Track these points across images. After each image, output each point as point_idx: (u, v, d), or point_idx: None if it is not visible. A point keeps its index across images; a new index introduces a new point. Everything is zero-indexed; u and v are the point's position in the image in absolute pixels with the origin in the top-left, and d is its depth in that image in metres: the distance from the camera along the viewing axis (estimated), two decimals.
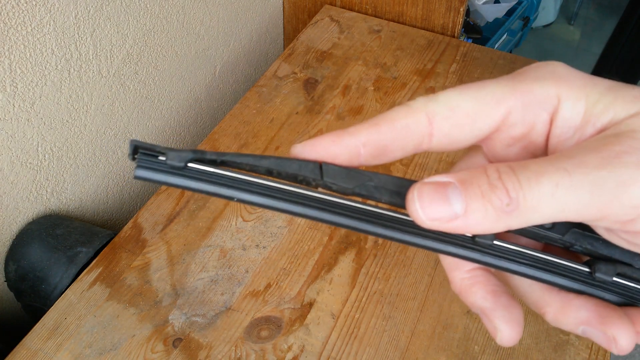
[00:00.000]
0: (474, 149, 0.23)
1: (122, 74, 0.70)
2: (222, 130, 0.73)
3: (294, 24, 1.06)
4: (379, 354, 0.52)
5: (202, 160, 0.19)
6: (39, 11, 0.55)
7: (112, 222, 0.77)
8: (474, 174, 0.18)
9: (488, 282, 0.21)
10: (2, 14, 0.51)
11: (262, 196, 0.19)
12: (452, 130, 0.20)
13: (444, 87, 0.80)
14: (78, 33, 0.60)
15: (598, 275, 0.19)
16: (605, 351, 0.52)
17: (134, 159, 0.19)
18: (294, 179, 0.20)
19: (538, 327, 0.54)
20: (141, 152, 0.19)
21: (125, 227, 0.62)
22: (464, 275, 0.21)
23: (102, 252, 0.59)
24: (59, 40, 0.58)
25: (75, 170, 0.68)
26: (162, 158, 0.19)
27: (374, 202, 0.20)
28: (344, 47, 0.87)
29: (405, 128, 0.20)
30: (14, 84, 0.55)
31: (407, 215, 0.19)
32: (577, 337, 0.53)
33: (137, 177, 0.19)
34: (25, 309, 0.64)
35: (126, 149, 0.76)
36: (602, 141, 0.17)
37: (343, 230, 0.62)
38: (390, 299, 0.56)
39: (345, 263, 0.59)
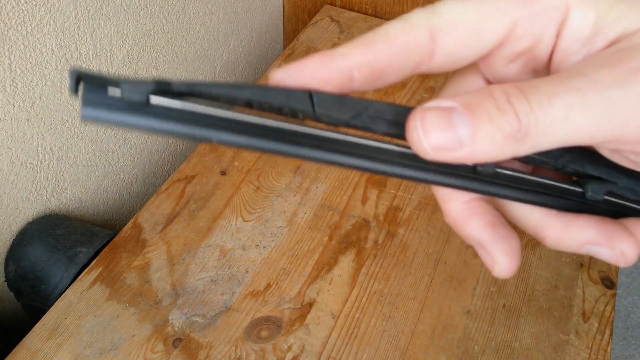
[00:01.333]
0: (467, 68, 0.21)
1: (122, 74, 0.70)
2: None
3: (294, 24, 1.06)
4: (379, 354, 0.52)
5: (168, 92, 0.16)
6: (39, 11, 0.55)
7: (112, 222, 0.77)
8: (480, 96, 0.16)
9: (486, 213, 0.20)
10: (2, 14, 0.51)
11: (245, 135, 0.16)
12: (456, 46, 0.18)
13: (443, 87, 0.80)
14: (78, 33, 0.60)
15: (590, 194, 0.19)
16: (606, 351, 0.53)
17: (77, 92, 0.15)
18: (278, 111, 0.17)
19: (538, 327, 0.54)
20: (87, 84, 0.15)
21: (125, 227, 0.62)
22: (461, 207, 0.20)
23: (102, 252, 0.59)
24: (59, 40, 0.58)
25: (75, 170, 0.68)
26: (115, 91, 0.15)
27: (369, 134, 0.18)
28: None
29: (405, 46, 0.18)
30: (14, 84, 0.55)
31: (405, 147, 0.18)
32: (577, 337, 0.54)
33: (84, 118, 0.15)
34: (25, 309, 0.64)
35: (126, 149, 0.76)
36: (616, 56, 0.16)
37: (343, 230, 0.62)
38: (390, 299, 0.56)
39: (345, 263, 0.59)
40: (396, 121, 0.18)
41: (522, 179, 0.19)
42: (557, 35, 0.18)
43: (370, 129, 0.18)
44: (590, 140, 0.16)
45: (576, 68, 0.16)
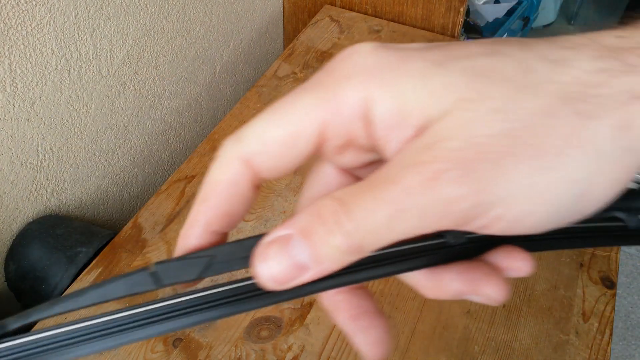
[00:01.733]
0: (317, 161, 0.22)
1: (122, 74, 0.70)
2: (222, 130, 0.73)
3: (294, 24, 1.06)
4: None
5: (5, 335, 0.16)
6: (39, 11, 0.55)
7: (112, 222, 0.77)
8: (310, 218, 0.17)
9: (349, 306, 0.21)
10: (2, 14, 0.51)
11: (93, 341, 0.17)
12: (274, 162, 0.19)
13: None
14: (78, 33, 0.60)
15: (453, 241, 0.19)
16: (606, 351, 0.53)
17: None
18: (129, 297, 0.18)
19: (538, 327, 0.54)
20: None
21: (125, 227, 0.62)
22: (327, 302, 0.21)
23: (102, 252, 0.59)
24: (59, 40, 0.58)
25: (75, 170, 0.68)
26: None
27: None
28: (344, 47, 0.87)
29: (231, 185, 0.20)
30: (14, 84, 0.55)
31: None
32: (577, 337, 0.54)
33: None
34: (25, 309, 0.64)
35: (126, 149, 0.76)
36: (419, 157, 0.17)
37: None
38: (390, 299, 0.56)
39: None
40: (248, 256, 0.18)
41: (381, 255, 0.19)
42: (368, 126, 0.18)
43: (229, 270, 0.19)
44: (419, 233, 0.17)
45: (390, 173, 0.17)
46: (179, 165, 0.70)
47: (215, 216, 0.20)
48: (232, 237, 0.60)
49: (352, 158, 0.20)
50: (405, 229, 0.17)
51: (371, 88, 0.18)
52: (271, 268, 0.17)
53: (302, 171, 0.68)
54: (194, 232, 0.20)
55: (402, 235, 0.17)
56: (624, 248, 1.42)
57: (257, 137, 0.19)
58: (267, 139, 0.19)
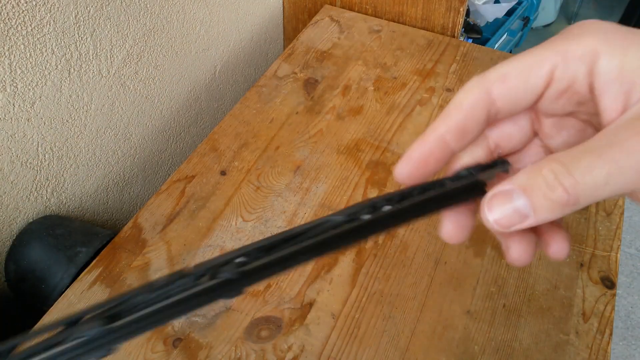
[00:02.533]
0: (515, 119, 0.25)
1: (122, 74, 0.70)
2: (222, 130, 0.73)
3: (294, 24, 1.06)
4: (379, 354, 0.52)
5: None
6: (39, 11, 0.55)
7: (112, 222, 0.77)
8: (532, 177, 0.20)
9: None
10: (2, 14, 0.51)
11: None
12: (510, 92, 0.22)
13: (444, 87, 0.81)
14: (78, 33, 0.60)
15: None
16: (606, 351, 0.53)
17: None
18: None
19: (538, 327, 0.54)
20: None
21: (125, 227, 0.62)
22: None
23: (102, 252, 0.59)
24: (59, 40, 0.58)
25: (75, 170, 0.68)
26: None
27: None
28: (344, 47, 0.87)
29: (471, 106, 0.23)
30: (14, 84, 0.55)
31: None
32: (577, 337, 0.54)
33: None
34: (25, 309, 0.64)
35: (126, 149, 0.76)
36: None
37: None
38: (390, 299, 0.56)
39: (345, 263, 0.59)
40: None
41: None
42: (590, 75, 0.21)
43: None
44: (630, 194, 0.20)
45: (611, 135, 0.20)
46: (179, 165, 0.70)
47: (453, 128, 0.23)
48: (232, 236, 0.60)
49: (564, 105, 0.23)
50: (622, 186, 0.19)
51: (600, 44, 0.21)
52: (496, 214, 0.21)
53: (302, 172, 0.68)
54: (432, 137, 0.23)
55: (617, 192, 0.19)
56: (624, 248, 1.42)
57: (498, 71, 0.23)
58: (506, 72, 0.22)
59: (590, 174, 0.19)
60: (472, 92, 0.23)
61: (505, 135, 0.26)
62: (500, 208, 0.21)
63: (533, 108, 0.24)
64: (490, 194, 0.21)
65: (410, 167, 0.23)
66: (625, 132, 0.19)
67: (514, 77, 0.22)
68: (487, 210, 0.21)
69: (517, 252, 0.24)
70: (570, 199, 0.19)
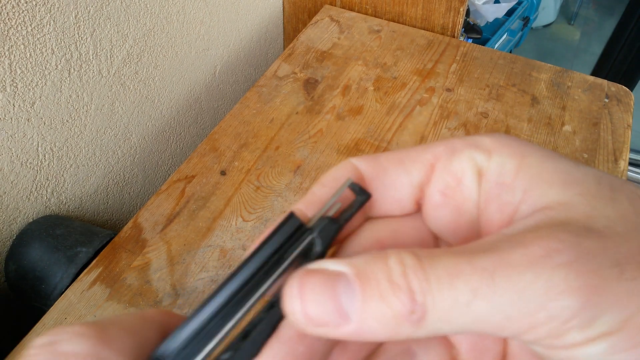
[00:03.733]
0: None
1: (122, 74, 0.70)
2: (222, 130, 0.73)
3: (294, 24, 1.06)
4: None
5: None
6: (39, 11, 0.55)
7: (112, 222, 0.77)
8: (374, 263, 0.14)
9: None
10: (2, 14, 0.51)
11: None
12: (383, 175, 0.18)
13: (444, 87, 0.81)
14: (78, 33, 0.61)
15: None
16: None
17: None
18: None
19: None
20: None
21: (125, 227, 0.62)
22: None
23: (102, 252, 0.59)
24: (59, 40, 0.58)
25: (75, 170, 0.68)
26: None
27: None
28: (344, 47, 0.87)
29: (336, 180, 0.19)
30: (14, 84, 0.55)
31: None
32: None
33: None
34: (25, 309, 0.64)
35: (126, 149, 0.76)
36: (534, 232, 0.14)
37: None
38: None
39: None
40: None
41: None
42: (479, 176, 0.17)
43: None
44: (497, 331, 0.14)
45: (488, 240, 0.15)
46: (179, 165, 0.70)
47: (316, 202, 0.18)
48: (232, 236, 0.60)
49: (445, 216, 0.18)
50: (487, 317, 0.14)
51: (495, 145, 0.17)
52: (310, 304, 0.14)
53: (302, 172, 0.68)
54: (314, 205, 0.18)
55: (476, 325, 0.14)
56: None
57: (375, 158, 0.19)
58: (383, 160, 0.19)
59: (450, 282, 0.14)
60: (338, 167, 0.19)
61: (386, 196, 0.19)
62: (318, 295, 0.14)
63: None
64: (304, 271, 0.15)
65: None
66: (511, 241, 0.14)
67: (387, 159, 0.19)
68: (295, 293, 0.15)
69: None
70: (414, 311, 0.14)
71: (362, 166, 0.18)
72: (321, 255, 0.17)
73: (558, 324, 0.13)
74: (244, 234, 0.61)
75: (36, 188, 0.63)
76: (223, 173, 0.68)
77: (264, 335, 0.16)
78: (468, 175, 0.17)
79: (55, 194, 0.66)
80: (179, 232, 0.61)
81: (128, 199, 0.79)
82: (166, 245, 0.60)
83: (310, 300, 0.14)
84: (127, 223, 0.62)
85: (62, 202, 0.67)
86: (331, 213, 0.18)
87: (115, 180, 0.75)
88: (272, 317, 0.16)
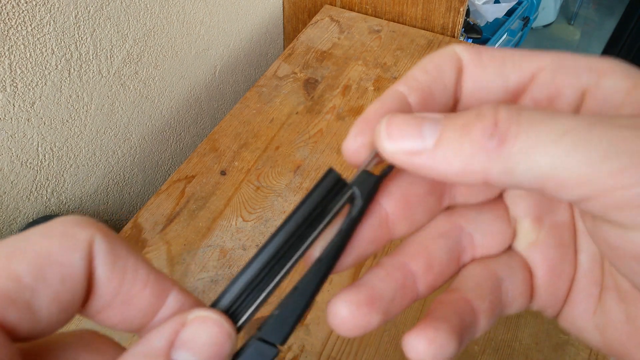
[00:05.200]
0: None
1: (122, 74, 0.70)
2: (222, 130, 0.73)
3: (294, 24, 1.06)
4: (379, 353, 0.52)
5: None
6: (39, 11, 0.55)
7: (112, 222, 0.77)
8: (465, 114, 0.15)
9: None
10: (2, 14, 0.51)
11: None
12: (481, 72, 0.18)
13: None
14: (78, 33, 0.61)
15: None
16: None
17: None
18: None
19: (538, 327, 0.54)
20: None
21: (125, 227, 0.62)
22: None
23: None
24: (59, 40, 0.58)
25: (75, 170, 0.68)
26: None
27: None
28: (344, 47, 0.87)
29: (438, 67, 0.18)
30: (14, 84, 0.55)
31: None
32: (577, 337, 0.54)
33: None
34: None
35: (126, 149, 0.76)
36: None
37: None
38: None
39: None
40: None
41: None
42: (584, 95, 0.16)
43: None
44: (573, 186, 0.13)
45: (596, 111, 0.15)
46: (179, 165, 0.70)
47: (416, 89, 0.18)
48: (232, 236, 0.59)
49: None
50: (571, 160, 0.13)
51: (609, 71, 0.16)
52: (392, 129, 0.15)
53: (302, 172, 0.68)
54: (392, 96, 0.18)
55: (556, 171, 0.13)
56: None
57: (478, 47, 0.18)
58: (485, 50, 0.18)
59: (541, 120, 0.13)
60: (445, 56, 0.18)
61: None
62: (402, 129, 0.15)
63: None
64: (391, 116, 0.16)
65: (368, 135, 0.17)
66: (619, 114, 0.14)
67: (490, 57, 0.18)
68: (384, 130, 0.16)
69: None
70: (494, 136, 0.13)
71: (465, 56, 0.18)
72: (363, 208, 0.17)
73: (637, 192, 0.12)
74: (244, 234, 0.61)
75: (36, 188, 0.63)
76: (223, 173, 0.68)
77: (312, 287, 0.18)
78: (570, 91, 0.16)
79: (55, 194, 0.66)
80: (179, 232, 0.61)
81: (128, 199, 0.79)
82: (166, 245, 0.60)
83: (395, 131, 0.15)
84: (127, 223, 0.62)
85: (62, 202, 0.67)
86: (369, 167, 0.18)
87: (115, 180, 0.75)
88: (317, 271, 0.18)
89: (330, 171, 0.17)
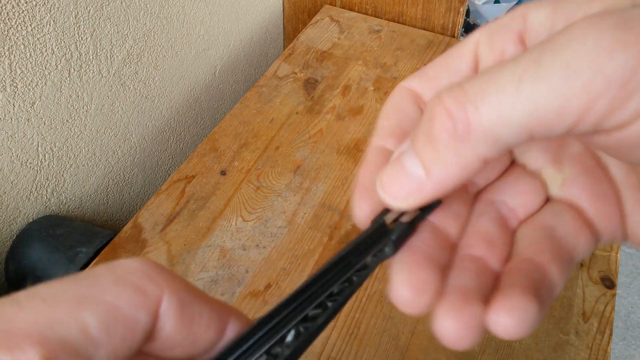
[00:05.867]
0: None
1: (122, 74, 0.70)
2: (222, 130, 0.73)
3: (294, 24, 1.06)
4: (379, 354, 0.52)
5: None
6: (39, 11, 0.55)
7: (112, 222, 0.77)
8: (420, 124, 0.15)
9: None
10: (2, 14, 0.51)
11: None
12: (434, 85, 0.19)
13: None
14: (78, 33, 0.60)
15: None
16: (606, 351, 0.53)
17: None
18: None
19: (538, 327, 0.54)
20: None
21: (125, 227, 0.62)
22: None
23: (102, 252, 0.59)
24: (59, 40, 0.58)
25: (75, 170, 0.68)
26: None
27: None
28: (344, 47, 0.87)
29: (397, 104, 0.19)
30: (14, 84, 0.55)
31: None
32: (577, 337, 0.53)
33: None
34: None
35: (126, 149, 0.76)
36: (573, 24, 0.14)
37: (343, 230, 0.62)
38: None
39: None
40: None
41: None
42: (521, 42, 0.17)
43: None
44: (559, 122, 0.13)
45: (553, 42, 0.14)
46: (179, 165, 0.70)
47: (389, 134, 0.19)
48: (232, 236, 0.59)
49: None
50: (541, 99, 0.13)
51: (531, 8, 0.17)
52: (384, 184, 0.16)
53: (302, 172, 0.68)
54: (373, 153, 0.19)
55: (535, 113, 0.13)
56: (624, 248, 1.42)
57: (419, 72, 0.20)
58: (424, 69, 0.19)
59: (492, 82, 0.13)
60: (393, 94, 0.20)
61: None
62: (393, 177, 0.16)
63: None
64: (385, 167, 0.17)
65: (370, 199, 0.18)
66: (554, 34, 0.14)
67: (432, 68, 0.19)
68: (381, 189, 0.16)
69: (451, 327, 0.17)
70: (464, 131, 0.13)
71: (415, 85, 0.19)
72: (391, 255, 0.18)
73: (617, 89, 0.12)
74: (244, 234, 0.61)
75: (36, 188, 0.63)
76: (223, 173, 0.68)
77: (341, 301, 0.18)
78: (510, 46, 0.17)
79: (55, 194, 0.66)
80: (179, 232, 0.61)
81: (128, 199, 0.79)
82: (166, 245, 0.60)
83: (388, 183, 0.16)
84: (127, 223, 0.62)
85: (62, 202, 0.67)
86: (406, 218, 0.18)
87: (115, 180, 0.75)
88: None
89: (379, 218, 0.18)
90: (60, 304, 0.14)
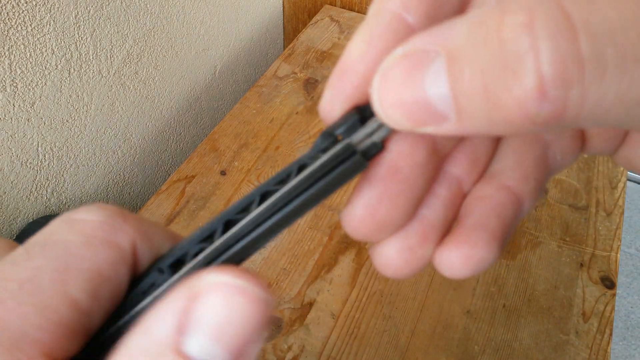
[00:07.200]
0: None
1: (122, 74, 0.70)
2: (222, 130, 0.73)
3: (294, 24, 1.06)
4: (379, 354, 0.52)
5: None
6: (39, 11, 0.55)
7: None
8: (475, 29, 0.10)
9: None
10: (2, 14, 0.51)
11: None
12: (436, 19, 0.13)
13: None
14: (78, 33, 0.61)
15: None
16: (606, 351, 0.53)
17: None
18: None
19: (538, 327, 0.54)
20: None
21: None
22: None
23: None
24: (59, 40, 0.58)
25: (75, 170, 0.68)
26: None
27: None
28: (344, 47, 0.87)
29: None
30: (14, 84, 0.55)
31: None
32: (577, 337, 0.54)
33: None
34: None
35: (126, 149, 0.76)
36: None
37: (343, 230, 0.62)
38: (390, 299, 0.56)
39: (345, 263, 0.59)
40: None
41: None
42: None
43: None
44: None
45: None
46: (179, 165, 0.70)
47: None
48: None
49: None
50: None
51: None
52: (392, 94, 0.11)
53: None
54: (385, 15, 0.14)
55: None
56: (624, 248, 1.42)
57: None
58: None
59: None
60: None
61: None
62: (403, 84, 0.11)
63: None
64: (392, 56, 0.11)
65: (352, 88, 0.14)
66: None
67: None
68: (378, 84, 0.11)
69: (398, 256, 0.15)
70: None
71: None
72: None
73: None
74: None
75: (36, 188, 0.63)
76: (223, 173, 0.68)
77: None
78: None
79: (55, 194, 0.66)
80: (179, 232, 0.61)
81: (128, 199, 0.79)
82: None
83: (394, 91, 0.11)
84: None
85: (62, 202, 0.67)
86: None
87: (115, 180, 0.75)
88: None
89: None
90: (43, 286, 0.13)
